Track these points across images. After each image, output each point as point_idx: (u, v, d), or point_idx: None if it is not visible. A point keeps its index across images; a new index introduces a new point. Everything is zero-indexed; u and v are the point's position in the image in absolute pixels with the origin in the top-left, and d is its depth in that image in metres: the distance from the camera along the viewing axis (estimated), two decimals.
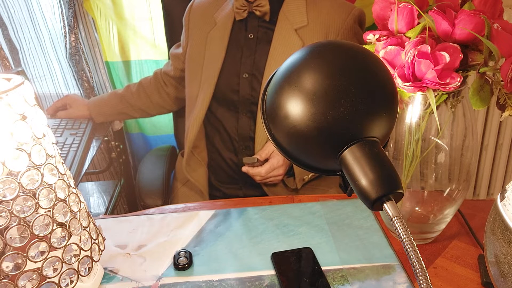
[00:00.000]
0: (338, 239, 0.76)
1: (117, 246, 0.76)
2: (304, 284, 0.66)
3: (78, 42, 1.52)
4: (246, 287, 0.67)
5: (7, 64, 1.49)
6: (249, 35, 1.12)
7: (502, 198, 0.52)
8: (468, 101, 0.65)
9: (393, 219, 0.39)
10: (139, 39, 1.55)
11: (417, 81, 0.57)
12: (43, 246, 0.54)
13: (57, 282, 0.56)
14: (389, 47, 0.59)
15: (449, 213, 0.72)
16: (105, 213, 1.49)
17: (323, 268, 0.70)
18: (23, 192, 0.52)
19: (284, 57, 1.08)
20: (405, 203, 0.74)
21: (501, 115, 0.60)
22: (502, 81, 0.57)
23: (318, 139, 0.42)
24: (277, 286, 0.67)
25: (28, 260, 0.53)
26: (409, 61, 0.57)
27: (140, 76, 1.61)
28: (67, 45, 1.51)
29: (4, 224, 0.50)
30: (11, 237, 0.51)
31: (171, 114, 1.51)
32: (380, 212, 0.77)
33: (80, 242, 0.60)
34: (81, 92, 1.60)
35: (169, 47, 1.37)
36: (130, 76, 1.62)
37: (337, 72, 0.41)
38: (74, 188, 0.62)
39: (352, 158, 0.41)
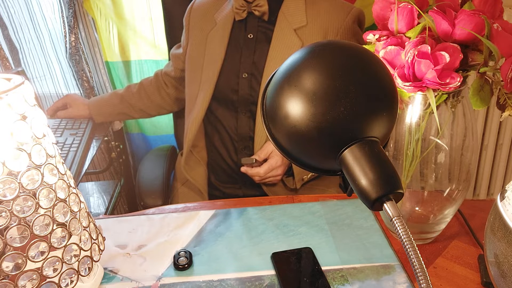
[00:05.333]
0: (338, 239, 0.76)
1: (117, 246, 0.76)
2: (304, 284, 0.66)
3: (78, 42, 1.52)
4: (246, 287, 0.67)
5: (7, 64, 1.49)
6: (249, 35, 1.12)
7: (502, 198, 0.52)
8: (468, 101, 0.65)
9: (393, 219, 0.39)
10: (139, 39, 1.55)
11: (417, 81, 0.57)
12: (43, 246, 0.54)
13: (57, 282, 0.56)
14: (389, 47, 0.59)
15: (449, 213, 0.72)
16: (105, 213, 1.49)
17: (323, 268, 0.70)
18: (23, 192, 0.52)
19: (283, 57, 1.09)
20: (405, 203, 0.74)
21: (501, 115, 0.60)
22: (502, 81, 0.57)
23: (318, 139, 0.42)
24: (277, 286, 0.67)
25: (28, 260, 0.53)
26: (409, 61, 0.57)
27: (140, 76, 1.61)
28: (67, 45, 1.51)
29: (4, 224, 0.50)
30: (11, 237, 0.51)
31: (171, 114, 1.51)
32: (380, 212, 0.77)
33: (80, 242, 0.60)
34: (81, 92, 1.60)
35: (169, 47, 1.37)
36: (130, 76, 1.62)
37: (337, 72, 0.41)
38: (74, 188, 0.62)
39: (352, 158, 0.41)
